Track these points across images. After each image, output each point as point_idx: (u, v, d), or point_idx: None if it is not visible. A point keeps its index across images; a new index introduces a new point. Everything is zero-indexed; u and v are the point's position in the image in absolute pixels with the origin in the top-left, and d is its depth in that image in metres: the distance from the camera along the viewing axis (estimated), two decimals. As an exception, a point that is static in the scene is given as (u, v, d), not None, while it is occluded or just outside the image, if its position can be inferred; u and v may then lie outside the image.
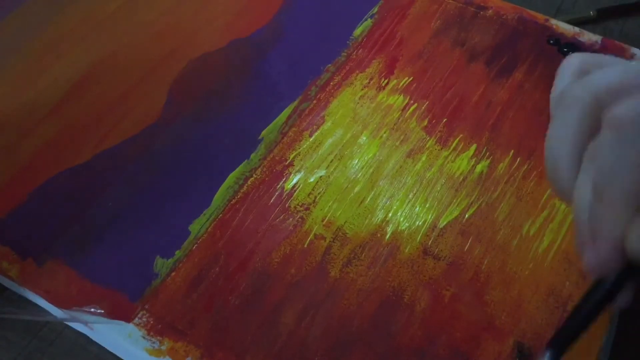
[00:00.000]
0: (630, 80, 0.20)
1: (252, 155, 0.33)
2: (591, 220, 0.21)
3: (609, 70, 0.21)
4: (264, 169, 0.32)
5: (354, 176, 0.32)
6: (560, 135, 0.22)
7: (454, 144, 0.33)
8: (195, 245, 0.30)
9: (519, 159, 0.33)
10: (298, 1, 0.40)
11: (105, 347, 0.27)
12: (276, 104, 0.35)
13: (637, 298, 0.28)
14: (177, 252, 0.29)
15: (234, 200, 0.31)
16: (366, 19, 0.39)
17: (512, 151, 0.33)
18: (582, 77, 0.22)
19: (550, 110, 0.23)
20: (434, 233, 0.30)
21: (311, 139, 0.34)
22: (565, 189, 0.22)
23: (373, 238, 0.30)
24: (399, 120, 0.34)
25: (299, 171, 0.32)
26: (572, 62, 0.23)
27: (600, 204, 0.20)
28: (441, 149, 0.33)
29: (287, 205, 0.31)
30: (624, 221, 0.19)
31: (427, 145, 0.33)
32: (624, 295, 0.22)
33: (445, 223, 0.31)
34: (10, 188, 0.31)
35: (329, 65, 0.37)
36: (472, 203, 0.31)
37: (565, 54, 0.37)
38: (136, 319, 0.27)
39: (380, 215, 0.31)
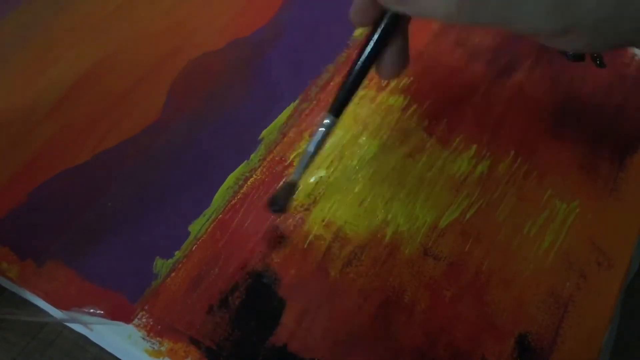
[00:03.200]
0: None
1: (252, 156, 0.33)
2: None
3: None
4: (264, 170, 0.32)
5: (354, 176, 0.32)
6: None
7: (454, 144, 0.33)
8: (195, 245, 0.30)
9: (519, 159, 0.33)
10: (298, 1, 0.40)
11: (105, 348, 0.27)
12: (276, 104, 0.35)
13: (637, 298, 0.28)
14: (176, 252, 0.29)
15: (233, 201, 0.31)
16: (366, 19, 0.39)
17: (513, 151, 0.33)
18: None
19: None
20: (434, 233, 0.30)
21: (311, 139, 0.34)
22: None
23: (373, 238, 0.30)
24: (400, 121, 0.34)
25: (299, 171, 0.32)
26: None
27: None
28: (442, 149, 0.33)
29: (287, 205, 0.31)
30: None
31: (427, 146, 0.33)
32: (391, 57, 0.25)
33: (445, 223, 0.31)
34: (10, 188, 0.31)
35: (329, 65, 0.37)
36: (472, 203, 0.31)
37: (565, 55, 0.37)
38: (136, 319, 0.27)
39: (380, 215, 0.31)
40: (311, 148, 0.27)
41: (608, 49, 0.20)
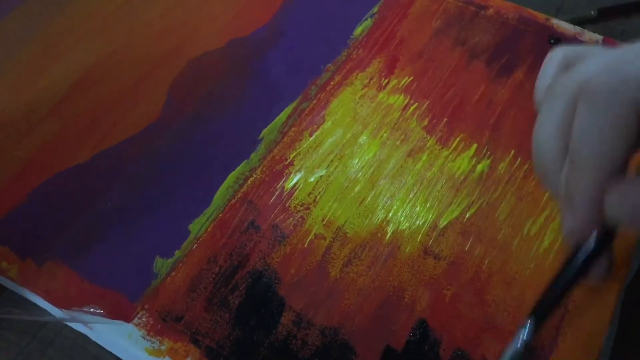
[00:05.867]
0: (611, 66, 0.20)
1: (252, 155, 0.33)
2: (567, 188, 0.22)
3: (592, 60, 0.21)
4: (264, 169, 0.32)
5: (354, 176, 0.32)
6: (546, 126, 0.22)
7: (454, 144, 0.33)
8: (195, 245, 0.30)
9: (519, 159, 0.33)
10: (298, 1, 0.40)
11: (105, 347, 0.27)
12: (276, 104, 0.35)
13: (637, 298, 0.28)
14: (176, 252, 0.29)
15: (233, 200, 0.31)
16: (366, 19, 0.39)
17: (513, 151, 0.33)
18: (566, 69, 0.22)
19: (535, 105, 0.24)
20: (434, 233, 0.30)
21: (311, 139, 0.34)
22: (552, 179, 0.22)
23: (373, 238, 0.30)
24: (400, 120, 0.34)
25: (299, 171, 0.32)
26: (556, 54, 0.23)
27: (574, 168, 0.21)
28: (442, 148, 0.33)
29: (287, 205, 0.31)
30: (598, 184, 0.20)
31: (427, 145, 0.33)
32: (599, 266, 0.23)
33: (445, 223, 0.30)
34: (10, 188, 0.31)
35: (329, 64, 0.37)
36: (472, 203, 0.31)
37: None
38: (136, 319, 0.27)
39: (380, 215, 0.31)
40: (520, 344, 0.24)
41: None
